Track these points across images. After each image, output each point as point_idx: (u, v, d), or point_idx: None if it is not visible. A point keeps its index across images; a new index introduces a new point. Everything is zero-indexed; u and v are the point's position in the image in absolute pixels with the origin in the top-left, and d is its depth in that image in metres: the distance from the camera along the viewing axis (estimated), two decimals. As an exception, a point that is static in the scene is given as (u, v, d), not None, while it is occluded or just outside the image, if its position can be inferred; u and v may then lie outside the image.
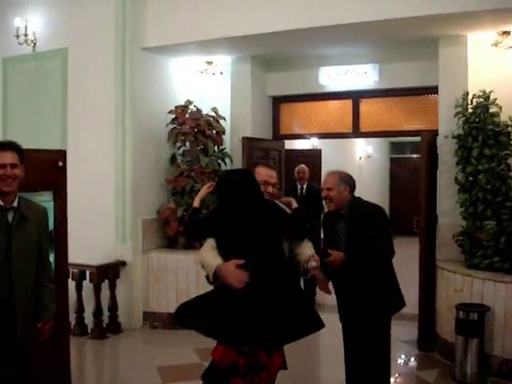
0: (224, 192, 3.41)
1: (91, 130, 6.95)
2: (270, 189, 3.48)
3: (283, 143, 7.88)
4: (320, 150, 9.99)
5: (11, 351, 3.28)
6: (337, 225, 4.12)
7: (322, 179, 4.32)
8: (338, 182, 4.13)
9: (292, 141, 9.96)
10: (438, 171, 6.37)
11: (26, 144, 3.52)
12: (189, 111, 7.11)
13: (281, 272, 3.21)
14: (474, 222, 5.76)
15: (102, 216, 6.89)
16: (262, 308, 3.10)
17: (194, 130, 7.00)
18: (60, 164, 4.61)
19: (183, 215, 6.88)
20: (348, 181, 4.16)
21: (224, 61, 7.52)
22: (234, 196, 3.31)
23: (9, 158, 3.30)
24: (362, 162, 14.27)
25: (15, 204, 3.37)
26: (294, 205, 3.61)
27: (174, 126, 7.10)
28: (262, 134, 7.65)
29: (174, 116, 7.07)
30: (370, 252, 3.93)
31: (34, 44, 7.38)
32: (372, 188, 14.62)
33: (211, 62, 7.50)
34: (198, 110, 7.12)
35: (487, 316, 5.18)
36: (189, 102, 7.16)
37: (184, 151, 7.20)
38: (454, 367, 5.29)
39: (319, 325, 3.25)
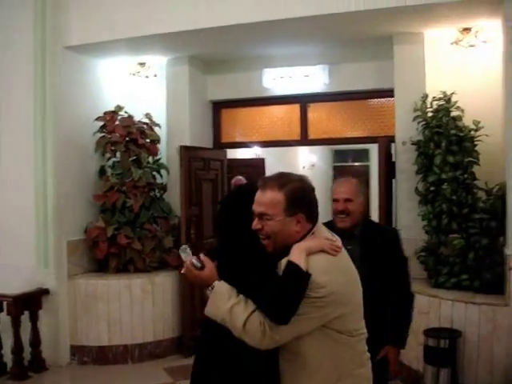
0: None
1: (9, 139, 6.10)
2: (255, 223, 2.28)
3: (225, 152, 7.19)
4: (263, 160, 9.38)
5: None
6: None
7: (334, 188, 3.55)
8: (358, 191, 3.44)
9: (233, 149, 9.32)
10: (393, 181, 5.85)
11: None
12: (119, 118, 6.35)
13: None
14: (438, 236, 5.25)
15: (20, 237, 6.04)
16: None
17: (124, 138, 6.25)
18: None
19: (114, 235, 6.11)
20: (363, 191, 3.54)
21: (158, 62, 6.80)
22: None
23: None
24: (305, 171, 13.73)
25: None
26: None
27: (103, 134, 6.32)
28: (202, 143, 6.94)
29: (102, 123, 6.29)
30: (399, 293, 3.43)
31: None
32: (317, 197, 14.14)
33: (144, 64, 6.77)
34: (130, 117, 6.37)
35: (458, 342, 4.65)
36: (119, 108, 6.40)
37: (114, 163, 6.42)
38: (422, 399, 4.76)
39: None
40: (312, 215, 2.29)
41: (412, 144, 5.46)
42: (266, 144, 7.48)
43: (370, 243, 3.37)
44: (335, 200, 3.46)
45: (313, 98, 6.72)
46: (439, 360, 4.60)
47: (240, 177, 7.60)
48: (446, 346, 4.58)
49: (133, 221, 6.24)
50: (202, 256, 2.30)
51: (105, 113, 6.34)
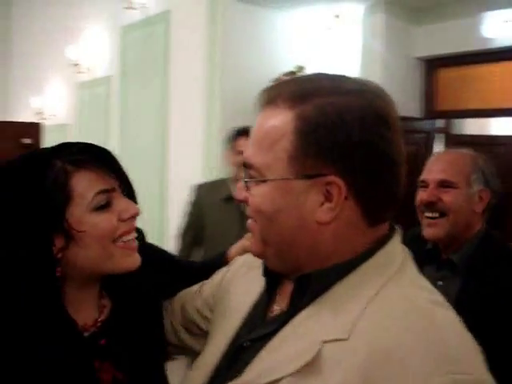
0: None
1: (186, 102, 5.68)
2: (239, 186, 1.13)
3: (438, 122, 5.66)
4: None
5: None
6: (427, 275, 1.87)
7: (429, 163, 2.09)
8: (471, 172, 1.97)
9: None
10: None
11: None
12: (299, 80, 5.41)
13: None
14: None
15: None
16: None
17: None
18: (27, 141, 3.32)
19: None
20: (489, 176, 2.00)
21: (359, 13, 5.64)
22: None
23: None
24: None
25: None
26: None
27: (284, 99, 5.45)
28: (405, 111, 5.57)
29: (279, 87, 5.42)
30: None
31: (144, 9, 6.36)
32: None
33: (339, 16, 5.68)
34: (307, 78, 5.38)
35: None
36: (299, 68, 5.46)
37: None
38: None
39: None
40: (377, 191, 0.98)
41: None
42: (489, 113, 5.71)
43: (482, 286, 1.76)
44: (423, 184, 1.97)
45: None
46: None
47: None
48: None
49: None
50: None
51: (284, 74, 5.45)
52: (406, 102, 5.62)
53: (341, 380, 0.86)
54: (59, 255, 1.16)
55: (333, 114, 0.94)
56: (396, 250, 1.00)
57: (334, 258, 0.97)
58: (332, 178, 0.93)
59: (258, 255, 1.07)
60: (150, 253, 1.45)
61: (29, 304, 1.14)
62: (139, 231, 1.42)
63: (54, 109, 7.99)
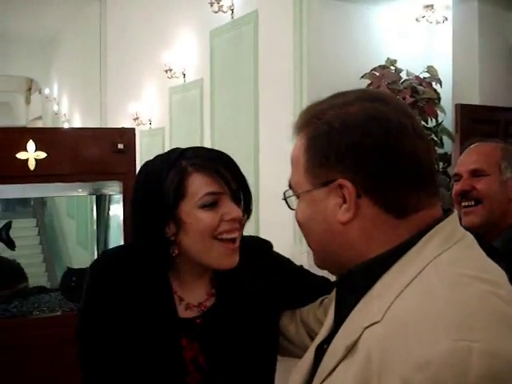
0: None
1: (274, 102, 5.70)
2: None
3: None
4: None
5: None
6: None
7: (461, 157, 2.17)
8: (501, 160, 2.02)
9: None
10: None
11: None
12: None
13: None
14: None
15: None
16: None
17: (391, 98, 5.18)
18: (120, 146, 3.48)
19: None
20: None
21: (447, 2, 5.46)
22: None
23: None
24: None
25: None
26: None
27: (374, 95, 5.35)
28: (503, 101, 5.32)
29: (369, 82, 5.33)
30: None
31: (232, 11, 6.47)
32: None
33: (431, 6, 5.52)
34: (397, 71, 5.24)
35: None
36: (390, 62, 5.34)
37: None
38: None
39: None
40: (387, 185, 1.01)
41: None
42: None
43: None
44: (456, 177, 2.05)
45: None
46: None
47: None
48: None
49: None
50: None
51: (373, 69, 5.35)
52: (502, 91, 5.39)
53: (365, 355, 0.92)
54: (172, 238, 1.43)
55: (324, 126, 1.06)
56: (444, 233, 1.02)
57: (371, 253, 1.04)
58: (340, 180, 1.03)
59: (316, 265, 1.17)
60: (276, 262, 1.66)
61: (142, 273, 1.46)
62: (267, 243, 1.67)
63: (150, 114, 8.26)
